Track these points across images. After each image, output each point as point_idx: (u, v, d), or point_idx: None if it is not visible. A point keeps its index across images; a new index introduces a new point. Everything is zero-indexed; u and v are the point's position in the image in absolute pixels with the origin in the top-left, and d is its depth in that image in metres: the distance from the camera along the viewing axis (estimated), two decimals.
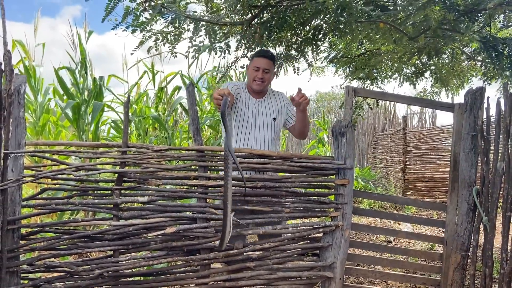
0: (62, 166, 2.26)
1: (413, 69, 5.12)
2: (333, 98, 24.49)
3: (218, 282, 2.49)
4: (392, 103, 12.01)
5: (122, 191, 2.38)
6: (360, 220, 6.04)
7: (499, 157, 2.49)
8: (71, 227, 2.29)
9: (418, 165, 9.21)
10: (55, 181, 2.26)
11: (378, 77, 5.31)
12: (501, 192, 2.50)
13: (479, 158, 2.64)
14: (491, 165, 2.55)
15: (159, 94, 6.09)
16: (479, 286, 2.61)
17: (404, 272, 3.23)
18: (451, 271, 2.72)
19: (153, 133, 6.15)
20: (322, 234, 2.68)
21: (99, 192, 2.39)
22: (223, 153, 2.60)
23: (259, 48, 3.59)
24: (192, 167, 2.51)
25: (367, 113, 12.96)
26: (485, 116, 2.61)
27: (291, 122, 2.95)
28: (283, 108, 2.95)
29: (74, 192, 2.32)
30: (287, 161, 2.62)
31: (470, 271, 2.67)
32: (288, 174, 2.65)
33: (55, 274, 2.29)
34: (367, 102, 6.02)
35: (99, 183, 2.36)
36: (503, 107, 2.52)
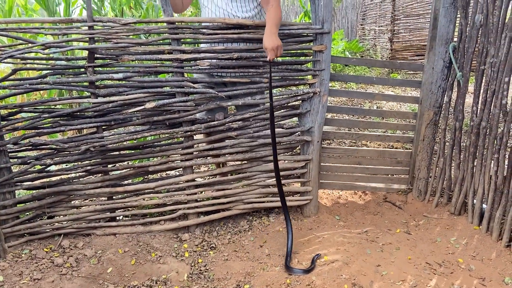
0: (30, 45, 2.19)
1: None
2: None
3: (202, 152, 2.62)
4: None
5: (96, 69, 2.36)
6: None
7: (478, 9, 2.43)
8: (51, 106, 2.31)
9: (406, 34, 9.02)
10: (24, 62, 2.21)
11: None
12: (476, 46, 2.49)
13: (459, 14, 2.58)
14: (469, 19, 2.50)
15: None
16: (449, 139, 2.77)
17: (380, 133, 3.39)
18: (423, 127, 2.85)
19: (130, 13, 5.83)
20: (301, 101, 2.73)
21: (72, 70, 2.36)
22: (196, 24, 2.51)
23: None
24: (166, 40, 2.44)
25: None
26: None
27: None
28: None
29: (47, 71, 2.29)
30: (263, 29, 2.53)
31: (442, 126, 2.80)
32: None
33: (43, 152, 2.39)
34: None
35: (71, 61, 2.33)
36: None
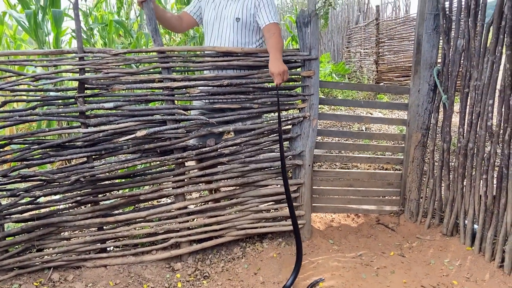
0: (20, 77, 2.20)
1: None
2: None
3: (194, 179, 2.61)
4: None
5: (86, 99, 2.36)
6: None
7: (460, 34, 2.50)
8: (40, 138, 2.30)
9: (391, 56, 9.22)
10: (14, 94, 2.21)
11: None
12: (460, 69, 2.56)
13: (441, 39, 2.65)
14: (452, 43, 2.58)
15: None
16: (437, 160, 2.81)
17: (370, 154, 3.43)
18: (412, 149, 2.89)
19: (119, 40, 5.89)
20: (291, 126, 2.76)
21: (63, 101, 2.36)
22: (185, 53, 2.55)
23: None
24: (156, 69, 2.47)
25: (341, 6, 12.54)
26: None
27: (260, 23, 2.60)
28: (251, 5, 2.60)
29: (36, 103, 2.28)
30: (252, 56, 2.58)
31: (430, 147, 2.84)
32: (254, 71, 2.63)
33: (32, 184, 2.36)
34: None
35: (61, 92, 2.33)
36: None
